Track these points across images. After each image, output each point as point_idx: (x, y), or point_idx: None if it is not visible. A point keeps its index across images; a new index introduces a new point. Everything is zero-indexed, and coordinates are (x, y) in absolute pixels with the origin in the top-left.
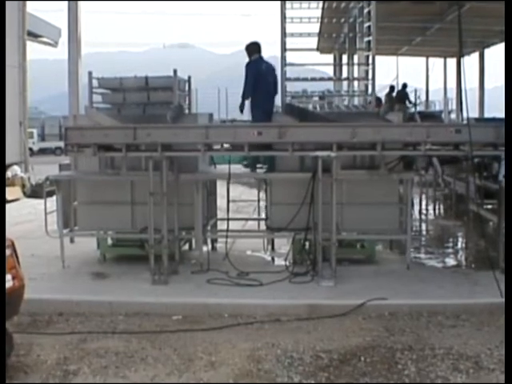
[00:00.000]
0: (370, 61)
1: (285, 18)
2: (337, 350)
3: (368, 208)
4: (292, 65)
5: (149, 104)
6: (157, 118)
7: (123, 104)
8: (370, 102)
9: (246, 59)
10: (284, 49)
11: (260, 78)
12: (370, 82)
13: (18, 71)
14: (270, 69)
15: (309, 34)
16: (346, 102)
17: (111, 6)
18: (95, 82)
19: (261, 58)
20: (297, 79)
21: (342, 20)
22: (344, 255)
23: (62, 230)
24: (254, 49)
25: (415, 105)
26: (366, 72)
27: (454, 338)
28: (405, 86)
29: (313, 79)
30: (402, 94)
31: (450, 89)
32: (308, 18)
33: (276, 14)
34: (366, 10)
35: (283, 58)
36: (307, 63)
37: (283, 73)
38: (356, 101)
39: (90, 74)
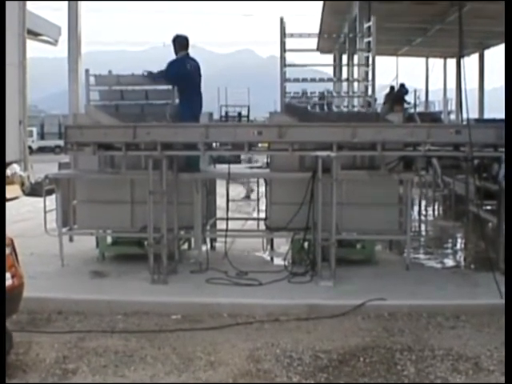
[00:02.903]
0: (370, 62)
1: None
2: (336, 351)
3: (368, 208)
4: (291, 65)
5: (147, 99)
6: (155, 116)
7: (121, 101)
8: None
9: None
10: (283, 49)
11: (185, 78)
12: (370, 83)
13: (18, 69)
14: (196, 68)
15: (309, 35)
16: (345, 103)
17: (111, 4)
18: (92, 80)
19: (187, 54)
20: (296, 80)
21: (343, 20)
22: (343, 255)
23: (61, 229)
24: (182, 43)
25: (414, 105)
26: (366, 73)
27: (454, 339)
28: (402, 86)
29: (312, 80)
30: (400, 95)
31: (449, 89)
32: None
33: (277, 13)
34: (366, 11)
35: (283, 58)
36: (307, 64)
37: (283, 73)
38: (356, 102)
39: (86, 71)
